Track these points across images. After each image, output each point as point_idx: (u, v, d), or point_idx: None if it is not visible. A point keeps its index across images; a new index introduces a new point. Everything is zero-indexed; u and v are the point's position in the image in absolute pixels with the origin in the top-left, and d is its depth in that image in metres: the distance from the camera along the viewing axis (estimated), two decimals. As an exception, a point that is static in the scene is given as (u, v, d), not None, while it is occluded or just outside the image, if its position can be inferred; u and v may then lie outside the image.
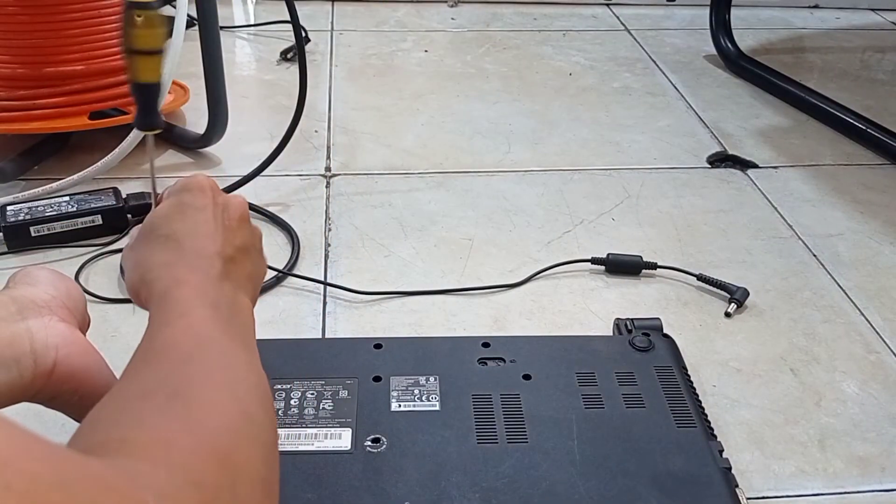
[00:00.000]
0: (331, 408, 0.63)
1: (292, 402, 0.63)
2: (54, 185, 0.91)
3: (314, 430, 0.61)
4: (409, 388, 0.65)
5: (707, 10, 1.49)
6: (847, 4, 1.78)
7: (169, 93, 1.04)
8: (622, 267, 0.86)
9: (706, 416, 0.64)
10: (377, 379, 0.66)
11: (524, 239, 0.92)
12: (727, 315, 0.81)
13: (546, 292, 0.84)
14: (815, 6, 1.79)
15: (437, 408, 0.63)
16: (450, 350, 0.69)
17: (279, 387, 0.65)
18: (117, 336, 0.75)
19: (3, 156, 1.00)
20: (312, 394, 0.64)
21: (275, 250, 0.88)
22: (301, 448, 0.59)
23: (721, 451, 0.60)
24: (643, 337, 0.70)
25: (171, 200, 0.52)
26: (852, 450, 0.66)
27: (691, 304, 0.83)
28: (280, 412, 0.62)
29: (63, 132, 1.04)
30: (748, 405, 0.70)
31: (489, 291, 0.83)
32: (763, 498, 0.62)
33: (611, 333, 0.76)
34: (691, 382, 0.67)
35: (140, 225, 0.52)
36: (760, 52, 1.51)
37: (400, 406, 0.63)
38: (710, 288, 0.84)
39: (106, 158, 0.94)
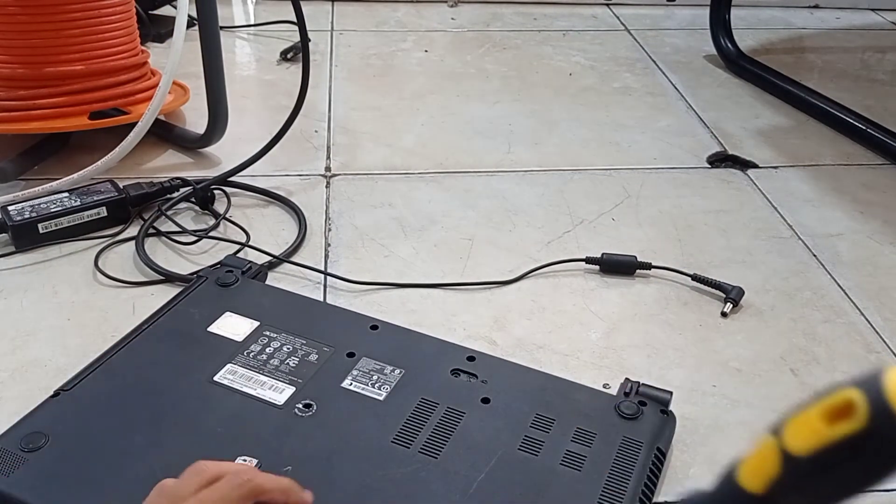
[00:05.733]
0: (294, 365, 0.66)
1: (267, 350, 0.68)
2: (53, 184, 0.91)
3: (265, 379, 0.65)
4: (371, 373, 0.66)
5: (707, 10, 1.49)
6: (847, 4, 1.78)
7: (169, 93, 1.04)
8: (616, 266, 0.86)
9: (648, 499, 0.58)
10: (350, 355, 0.67)
11: (524, 239, 0.92)
12: (723, 315, 0.81)
13: (546, 292, 0.84)
14: (815, 6, 1.79)
15: (381, 398, 0.63)
16: (434, 352, 0.68)
17: (267, 333, 0.69)
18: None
19: (3, 156, 1.00)
20: (288, 349, 0.68)
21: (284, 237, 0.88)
22: (243, 389, 0.64)
23: None
24: (632, 404, 0.63)
25: None
26: (852, 450, 0.66)
27: (691, 303, 0.83)
28: (252, 354, 0.67)
29: (63, 132, 1.04)
30: (748, 405, 0.70)
31: (487, 289, 0.83)
32: (763, 498, 0.62)
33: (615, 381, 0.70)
34: (657, 466, 0.60)
35: None
36: (760, 52, 1.51)
37: (350, 385, 0.64)
38: (708, 288, 0.84)
39: (105, 158, 0.94)
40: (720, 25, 1.47)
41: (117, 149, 0.94)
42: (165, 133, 1.09)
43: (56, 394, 0.63)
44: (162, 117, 1.10)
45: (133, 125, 0.95)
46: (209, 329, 0.70)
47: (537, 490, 0.56)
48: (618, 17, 1.69)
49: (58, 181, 0.92)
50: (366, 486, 0.56)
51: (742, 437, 0.67)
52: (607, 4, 1.75)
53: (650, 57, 1.48)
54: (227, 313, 0.71)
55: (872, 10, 1.78)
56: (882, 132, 1.16)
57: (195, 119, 1.14)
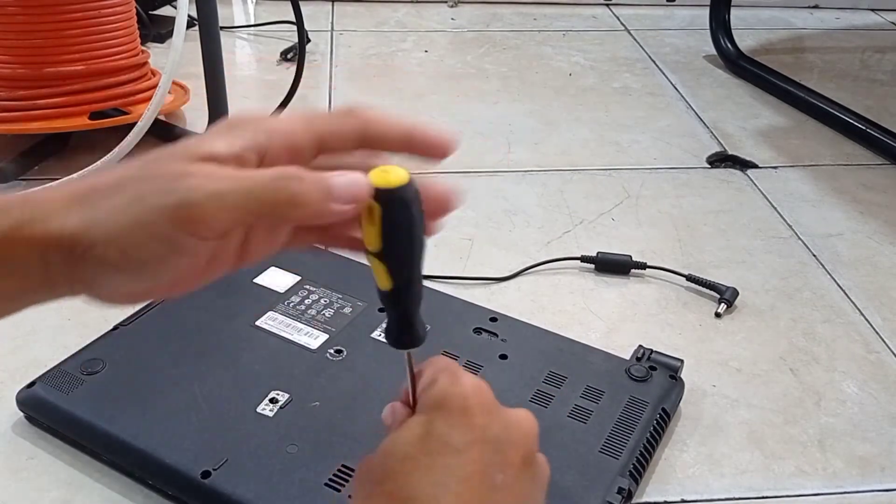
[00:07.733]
0: (329, 316, 0.71)
1: (306, 301, 0.73)
2: (53, 184, 0.91)
3: (301, 326, 0.70)
4: None
5: (707, 10, 1.49)
6: (847, 4, 1.78)
7: (169, 93, 1.04)
8: (611, 266, 0.86)
9: (646, 459, 0.60)
10: (382, 310, 0.70)
11: (524, 239, 0.92)
12: (717, 315, 0.81)
13: (546, 292, 0.84)
14: (815, 6, 1.79)
15: None
16: (459, 311, 0.73)
17: (307, 286, 0.75)
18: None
19: (3, 156, 1.00)
20: (325, 301, 0.73)
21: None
22: (281, 333, 0.69)
23: (625, 493, 0.56)
24: (642, 368, 0.67)
25: (419, 427, 0.36)
26: (852, 450, 0.66)
27: (690, 303, 0.83)
28: (291, 304, 0.73)
29: (63, 132, 1.04)
30: (748, 405, 0.70)
31: (486, 289, 0.83)
32: (763, 498, 0.62)
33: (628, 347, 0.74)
34: (660, 425, 0.63)
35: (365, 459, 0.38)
36: (760, 52, 1.51)
37: (379, 335, 0.69)
38: (702, 288, 0.84)
39: (105, 158, 0.94)
40: (720, 25, 1.47)
41: (116, 149, 0.94)
42: (165, 133, 1.09)
43: (115, 328, 0.70)
44: (162, 117, 1.10)
45: (133, 125, 0.95)
46: (254, 280, 0.76)
47: (543, 437, 0.59)
48: (618, 18, 1.69)
49: (57, 181, 0.92)
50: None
51: (742, 436, 0.67)
52: (607, 4, 1.75)
53: (650, 57, 1.48)
54: (272, 268, 0.77)
55: (872, 10, 1.78)
56: (882, 132, 1.16)
57: (195, 119, 1.14)
